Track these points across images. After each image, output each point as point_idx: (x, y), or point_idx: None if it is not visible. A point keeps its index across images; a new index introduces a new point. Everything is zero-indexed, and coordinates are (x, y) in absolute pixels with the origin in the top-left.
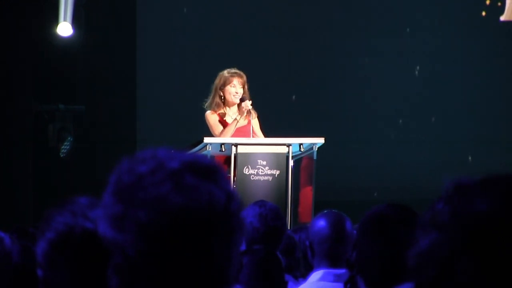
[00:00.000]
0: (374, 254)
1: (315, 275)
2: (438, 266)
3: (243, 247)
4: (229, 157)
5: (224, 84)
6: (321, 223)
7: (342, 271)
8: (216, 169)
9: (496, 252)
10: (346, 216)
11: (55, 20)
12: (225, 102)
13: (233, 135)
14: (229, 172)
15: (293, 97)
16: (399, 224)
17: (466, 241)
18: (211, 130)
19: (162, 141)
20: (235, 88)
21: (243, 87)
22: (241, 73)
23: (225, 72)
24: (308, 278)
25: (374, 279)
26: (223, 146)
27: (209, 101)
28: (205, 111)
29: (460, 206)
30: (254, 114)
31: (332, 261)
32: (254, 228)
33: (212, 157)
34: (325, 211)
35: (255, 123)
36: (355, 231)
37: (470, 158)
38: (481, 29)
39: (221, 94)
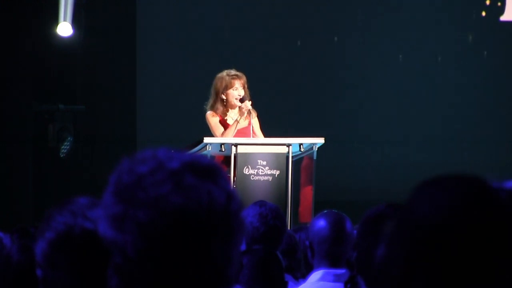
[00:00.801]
0: (374, 254)
1: (315, 275)
2: (394, 283)
3: (243, 247)
4: (228, 157)
5: (226, 88)
6: (321, 223)
7: (342, 271)
8: (216, 169)
9: (442, 260)
10: (346, 216)
11: (55, 20)
12: (227, 105)
13: (234, 136)
14: (229, 172)
15: (293, 97)
16: None
17: (411, 254)
18: (211, 131)
19: (162, 141)
20: (238, 91)
21: (244, 88)
22: (241, 74)
23: (225, 75)
24: (307, 278)
25: (374, 279)
26: (223, 146)
27: (210, 104)
28: (205, 111)
29: (399, 219)
30: (254, 114)
31: (332, 261)
32: (254, 228)
33: (212, 157)
34: (325, 211)
35: (255, 122)
36: (355, 231)
37: (470, 158)
38: (481, 29)
39: (224, 98)
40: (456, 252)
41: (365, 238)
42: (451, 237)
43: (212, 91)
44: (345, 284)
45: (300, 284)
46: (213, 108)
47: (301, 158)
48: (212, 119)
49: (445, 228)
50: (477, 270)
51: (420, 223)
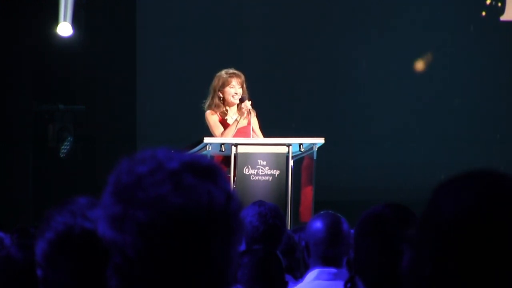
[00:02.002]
0: (372, 254)
1: (311, 275)
2: (425, 283)
3: (243, 247)
4: (228, 157)
5: (223, 86)
6: (317, 224)
7: (337, 270)
8: (216, 169)
9: (472, 257)
10: (342, 218)
11: (55, 20)
12: (224, 103)
13: (233, 136)
14: (229, 172)
15: (293, 97)
16: (396, 223)
17: (440, 253)
18: (211, 130)
19: (162, 141)
20: (234, 89)
21: (242, 87)
22: (239, 72)
23: (223, 73)
24: (304, 278)
25: (373, 279)
26: (223, 146)
27: (208, 102)
28: (205, 111)
29: (424, 219)
30: (253, 113)
31: (327, 262)
32: (254, 227)
33: (212, 157)
34: (322, 212)
35: (254, 121)
36: (352, 231)
37: (470, 158)
38: (481, 29)
39: (220, 95)
40: (485, 248)
41: (364, 239)
42: (479, 233)
43: (210, 89)
44: (345, 284)
45: (299, 283)
46: (211, 107)
47: (301, 158)
48: (212, 118)
49: (472, 225)
50: (508, 265)
51: (447, 221)
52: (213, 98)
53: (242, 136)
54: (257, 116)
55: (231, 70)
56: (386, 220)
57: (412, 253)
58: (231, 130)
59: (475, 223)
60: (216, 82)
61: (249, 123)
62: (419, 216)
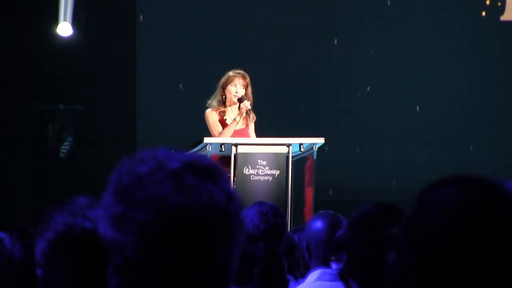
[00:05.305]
0: (364, 254)
1: (313, 275)
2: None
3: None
4: (226, 157)
5: (226, 83)
6: (318, 224)
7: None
8: (216, 169)
9: (456, 264)
10: (342, 218)
11: (55, 20)
12: (226, 101)
13: (231, 137)
14: (229, 172)
15: (293, 97)
16: (386, 222)
17: (424, 260)
18: (210, 129)
19: (162, 141)
20: (236, 88)
21: (245, 88)
22: (245, 74)
23: (230, 72)
24: (306, 278)
25: (366, 280)
26: (223, 146)
27: (211, 98)
28: (206, 106)
29: (407, 223)
30: (254, 117)
31: (328, 263)
32: (255, 225)
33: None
34: (321, 212)
35: (252, 125)
36: None
37: (470, 158)
38: (481, 29)
39: (223, 92)
40: (469, 255)
41: (355, 240)
42: (463, 240)
43: (217, 87)
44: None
45: (300, 284)
46: (213, 102)
47: (302, 158)
48: (212, 117)
49: (456, 231)
50: (492, 272)
51: (431, 227)
52: (216, 94)
53: (239, 137)
54: (255, 123)
55: (238, 70)
56: (375, 219)
57: (396, 258)
58: (230, 129)
59: (459, 230)
60: (222, 80)
61: (247, 125)
62: (404, 220)
